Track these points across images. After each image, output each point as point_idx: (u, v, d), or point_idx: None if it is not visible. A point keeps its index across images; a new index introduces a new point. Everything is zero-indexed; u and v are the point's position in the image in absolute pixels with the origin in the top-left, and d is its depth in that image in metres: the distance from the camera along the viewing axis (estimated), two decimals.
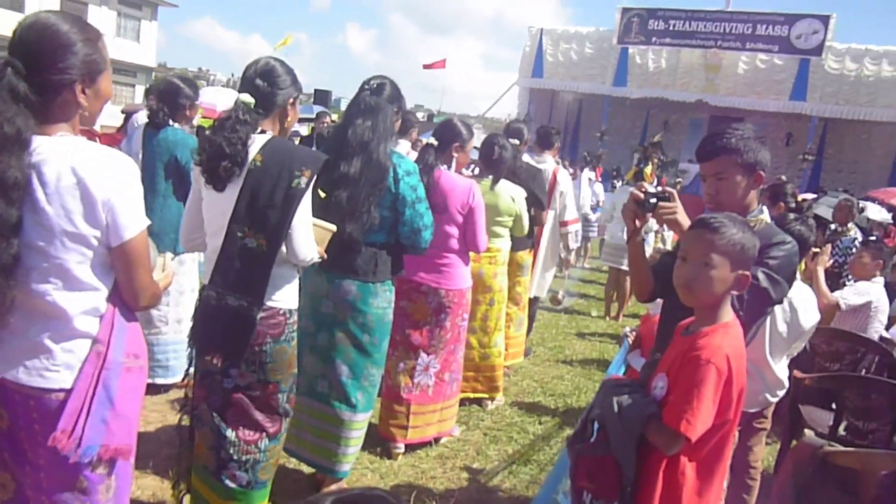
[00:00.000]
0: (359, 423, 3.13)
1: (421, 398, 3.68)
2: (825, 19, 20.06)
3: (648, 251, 6.01)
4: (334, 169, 2.87)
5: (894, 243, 8.92)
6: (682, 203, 2.19)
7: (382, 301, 3.08)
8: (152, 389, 3.98)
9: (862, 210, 9.34)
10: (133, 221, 1.72)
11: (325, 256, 2.59)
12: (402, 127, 3.53)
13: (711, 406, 1.74)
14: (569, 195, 5.43)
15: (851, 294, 4.45)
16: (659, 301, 2.41)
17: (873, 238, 6.96)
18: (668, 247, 7.79)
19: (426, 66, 24.55)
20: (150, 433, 3.49)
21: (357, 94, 3.05)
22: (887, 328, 4.50)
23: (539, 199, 4.93)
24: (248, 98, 2.37)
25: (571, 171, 10.18)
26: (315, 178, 2.36)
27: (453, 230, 3.62)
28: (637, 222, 2.19)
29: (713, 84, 21.40)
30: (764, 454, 4.14)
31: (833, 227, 6.94)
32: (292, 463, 3.35)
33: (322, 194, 2.81)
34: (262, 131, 2.41)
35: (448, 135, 3.73)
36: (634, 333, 3.39)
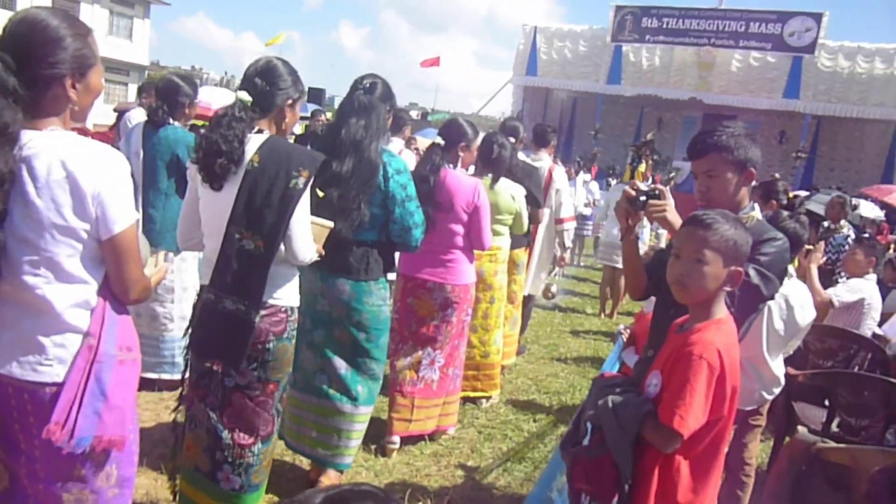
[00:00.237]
0: (361, 416, 3.15)
1: (425, 392, 3.74)
2: (818, 17, 20.11)
3: (643, 248, 6.01)
4: (327, 168, 2.87)
5: (887, 240, 8.97)
6: (675, 201, 2.20)
7: (377, 299, 3.09)
8: (154, 385, 4.01)
9: (855, 207, 9.39)
10: (123, 215, 1.73)
11: (323, 253, 2.59)
12: (394, 125, 3.55)
13: (704, 402, 1.74)
14: (564, 193, 5.45)
15: (844, 291, 4.46)
16: (653, 298, 2.42)
17: (866, 235, 6.99)
18: (663, 244, 7.81)
19: (423, 65, 24.58)
20: (144, 431, 3.45)
21: (350, 93, 3.06)
22: (880, 325, 4.52)
23: (535, 197, 4.94)
24: (245, 96, 2.36)
25: (566, 169, 10.19)
26: (313, 178, 2.35)
27: (458, 228, 3.68)
28: (630, 220, 2.21)
29: (706, 82, 21.43)
30: (757, 451, 4.16)
31: (826, 224, 6.96)
32: (289, 456, 3.35)
33: (320, 194, 2.80)
34: (260, 131, 2.39)
35: (454, 135, 3.78)
36: (628, 331, 3.40)
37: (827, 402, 3.64)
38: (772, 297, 2.20)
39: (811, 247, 4.39)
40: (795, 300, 2.96)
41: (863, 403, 3.44)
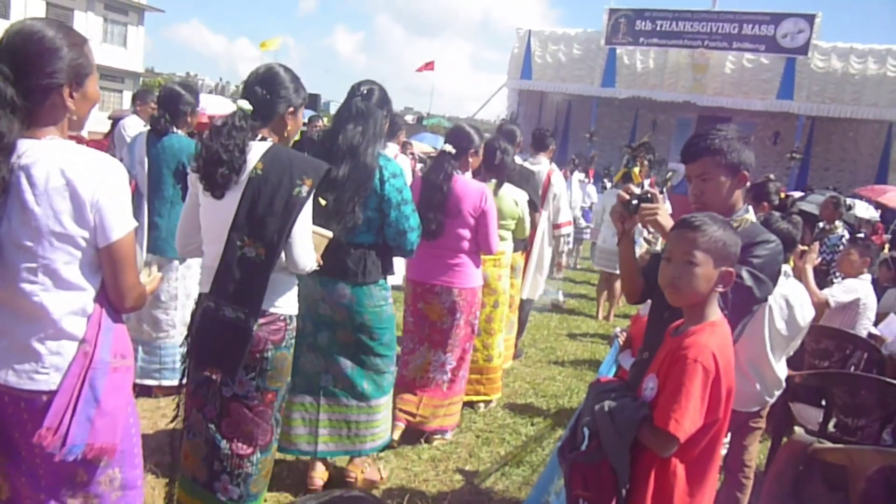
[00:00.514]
0: (373, 408, 3.21)
1: (434, 392, 3.83)
2: (810, 18, 20.21)
3: (640, 251, 6.03)
4: (326, 172, 2.88)
5: (882, 240, 9.00)
6: (671, 203, 2.22)
7: (378, 300, 3.12)
8: (151, 392, 4.03)
9: (850, 208, 9.42)
10: (120, 223, 1.75)
11: (322, 263, 2.59)
12: (389, 130, 3.57)
13: (700, 405, 1.75)
14: (562, 197, 5.51)
15: (840, 291, 4.48)
16: (650, 301, 2.42)
17: (860, 235, 7.02)
18: (659, 247, 7.81)
19: (419, 70, 24.66)
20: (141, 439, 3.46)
21: (347, 100, 3.09)
22: (875, 325, 4.53)
23: (532, 201, 4.97)
24: (245, 104, 2.35)
25: (561, 171, 10.21)
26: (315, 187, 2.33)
27: (465, 232, 3.76)
28: (625, 224, 2.22)
29: (700, 84, 21.52)
30: (757, 453, 4.16)
31: (821, 225, 6.98)
32: (288, 458, 3.34)
33: (322, 202, 2.82)
34: (263, 138, 2.38)
35: (465, 142, 3.87)
36: (625, 334, 3.40)
37: (824, 403, 3.65)
38: (765, 300, 2.21)
39: (806, 247, 4.40)
40: (795, 300, 2.97)
41: (859, 403, 3.45)
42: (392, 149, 5.59)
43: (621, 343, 3.36)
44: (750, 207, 2.36)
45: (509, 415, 4.49)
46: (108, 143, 6.78)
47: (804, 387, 3.71)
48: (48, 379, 1.71)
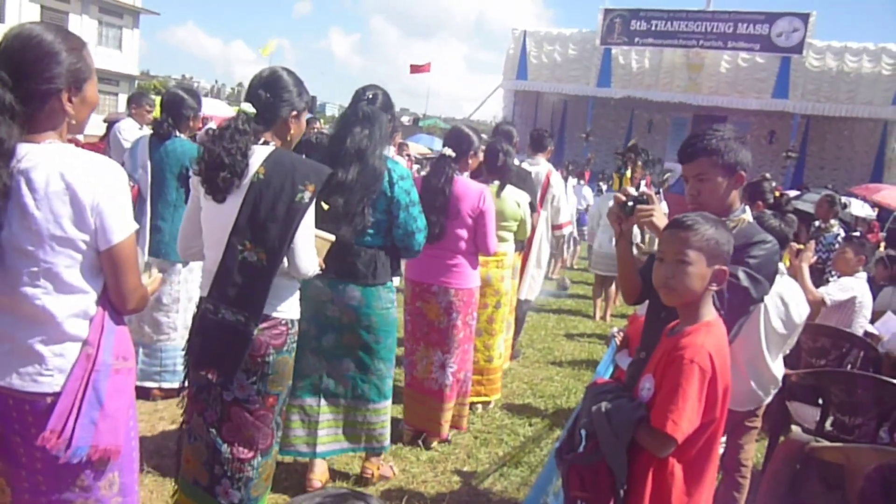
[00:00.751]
0: (373, 411, 3.26)
1: (438, 395, 3.83)
2: (805, 17, 20.27)
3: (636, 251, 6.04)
4: (332, 176, 2.91)
5: (877, 239, 9.03)
6: (668, 203, 2.22)
7: (385, 302, 3.19)
8: (149, 395, 4.03)
9: (845, 206, 9.44)
10: (121, 226, 1.75)
11: (324, 266, 2.60)
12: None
13: (697, 405, 1.75)
14: (561, 198, 5.53)
15: (836, 290, 4.49)
16: (647, 301, 2.43)
17: (856, 234, 7.04)
18: (657, 246, 7.80)
19: (413, 71, 24.61)
20: (139, 441, 3.46)
21: (353, 104, 3.15)
22: (871, 323, 4.55)
23: (530, 202, 4.98)
24: (248, 108, 2.34)
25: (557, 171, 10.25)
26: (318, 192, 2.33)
27: (463, 233, 3.78)
28: (622, 225, 2.22)
29: (696, 83, 21.57)
30: (753, 452, 4.17)
31: (817, 223, 7.00)
32: (286, 459, 3.34)
33: (325, 206, 2.83)
34: (266, 142, 2.37)
35: (465, 144, 3.89)
36: (622, 334, 3.41)
37: (820, 401, 3.66)
38: (761, 300, 2.21)
39: (802, 246, 4.41)
40: (790, 297, 2.98)
41: (856, 402, 3.45)
42: (387, 150, 5.61)
43: (618, 343, 3.37)
44: (747, 207, 2.36)
45: (507, 415, 4.50)
46: (103, 146, 6.76)
47: (801, 385, 3.72)
48: (52, 381, 1.71)
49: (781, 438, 3.54)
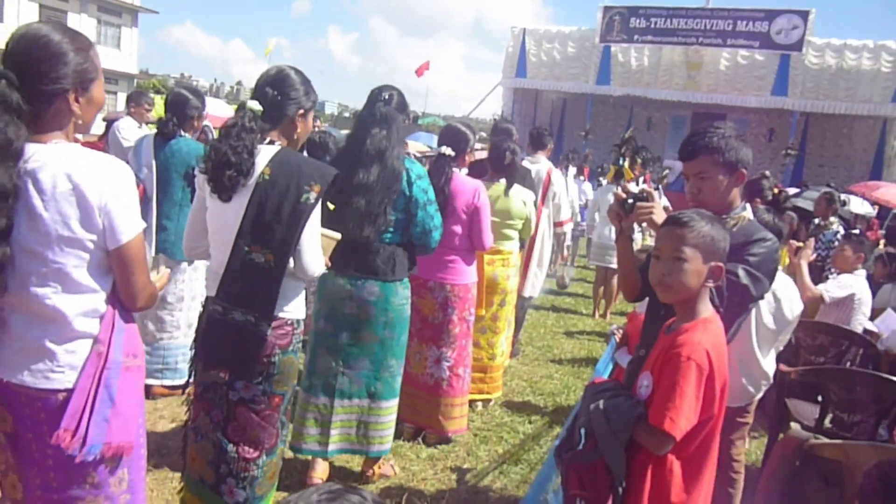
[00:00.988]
0: (382, 410, 3.31)
1: (434, 389, 3.86)
2: (804, 14, 20.21)
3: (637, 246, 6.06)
4: (353, 177, 3.04)
5: (876, 236, 9.03)
6: (668, 200, 2.22)
7: (401, 298, 3.26)
8: (149, 393, 4.01)
9: (844, 203, 9.44)
10: (129, 225, 1.76)
11: (330, 265, 2.60)
12: None
13: (694, 403, 1.76)
14: (562, 196, 5.59)
15: (835, 287, 4.49)
16: (647, 299, 2.43)
17: (855, 231, 7.04)
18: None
19: (418, 73, 24.80)
20: None
21: (369, 105, 3.19)
22: (871, 320, 4.55)
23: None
24: (255, 105, 2.32)
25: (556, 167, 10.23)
26: (324, 193, 2.32)
27: (458, 228, 3.82)
28: (622, 223, 2.23)
29: (695, 81, 21.51)
30: (751, 448, 4.18)
31: (816, 221, 7.00)
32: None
33: (331, 207, 2.84)
34: (271, 142, 2.36)
35: (462, 143, 3.93)
36: (622, 331, 3.41)
37: (819, 399, 3.66)
38: (761, 297, 2.22)
39: (801, 244, 4.41)
40: (783, 293, 2.97)
41: (855, 399, 3.46)
42: None
43: (618, 341, 3.38)
44: (748, 205, 2.36)
45: (507, 413, 4.50)
46: (102, 145, 6.75)
47: (800, 383, 3.73)
48: (63, 377, 1.73)
49: (781, 436, 3.55)
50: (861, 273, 4.58)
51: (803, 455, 2.62)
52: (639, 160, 7.58)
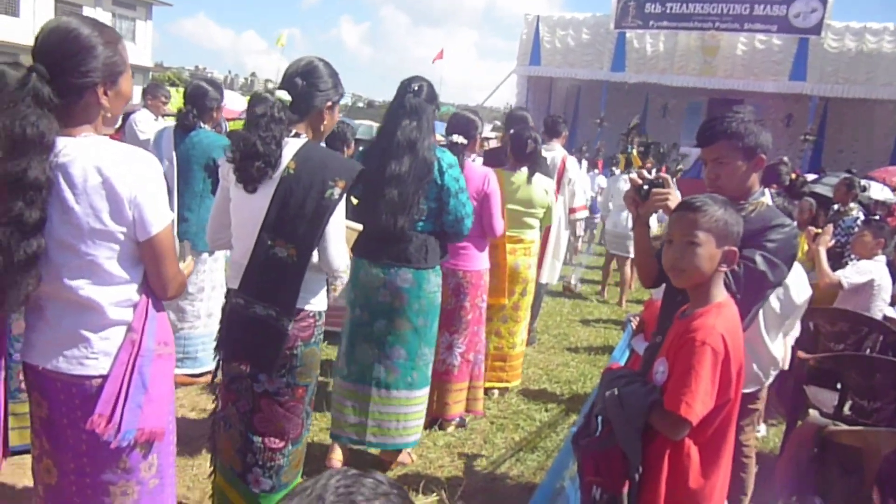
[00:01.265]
0: (417, 399, 3.35)
1: (446, 376, 3.86)
2: None
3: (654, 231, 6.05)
4: (385, 168, 3.07)
5: None
6: (683, 188, 2.20)
7: (433, 286, 3.30)
8: (177, 380, 4.10)
9: (864, 189, 9.31)
10: (158, 216, 1.78)
11: (353, 255, 2.62)
12: None
13: (710, 387, 1.75)
14: (577, 183, 5.63)
15: (853, 273, 4.45)
16: (664, 286, 2.42)
17: (875, 217, 6.95)
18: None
19: (434, 61, 25.04)
20: None
21: (399, 97, 3.22)
22: (891, 306, 4.50)
23: None
24: (284, 95, 2.31)
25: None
26: (349, 188, 2.31)
27: None
28: (639, 209, 2.21)
29: (711, 66, 21.26)
30: (770, 435, 4.16)
31: (836, 207, 6.92)
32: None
33: (354, 201, 2.86)
34: (297, 134, 2.35)
35: (472, 131, 3.96)
36: (638, 318, 3.40)
37: (839, 386, 3.64)
38: (779, 284, 2.20)
39: (820, 230, 4.37)
40: (791, 279, 2.94)
41: (874, 385, 3.43)
42: None
43: (634, 328, 3.37)
44: (766, 191, 2.34)
45: (523, 401, 4.51)
46: (119, 137, 6.81)
47: (819, 369, 3.69)
48: (97, 364, 1.76)
49: (799, 423, 3.53)
50: (881, 259, 4.53)
51: (822, 442, 2.61)
52: (650, 156, 7.57)
